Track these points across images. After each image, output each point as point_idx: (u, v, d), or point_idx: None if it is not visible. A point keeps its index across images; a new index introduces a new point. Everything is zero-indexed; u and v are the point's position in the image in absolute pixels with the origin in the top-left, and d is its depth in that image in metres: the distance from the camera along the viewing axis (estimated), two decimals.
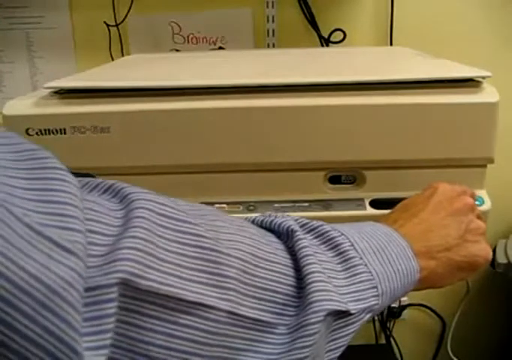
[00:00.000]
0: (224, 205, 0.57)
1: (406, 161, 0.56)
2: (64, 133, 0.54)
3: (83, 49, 1.22)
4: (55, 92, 0.56)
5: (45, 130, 0.54)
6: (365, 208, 0.57)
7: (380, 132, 0.54)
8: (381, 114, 0.53)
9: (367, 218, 0.57)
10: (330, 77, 0.54)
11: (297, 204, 0.57)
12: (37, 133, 0.54)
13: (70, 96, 0.55)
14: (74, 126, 0.54)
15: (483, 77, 0.55)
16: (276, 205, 0.57)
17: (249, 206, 0.57)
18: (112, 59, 1.19)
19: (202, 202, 0.58)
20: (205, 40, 1.19)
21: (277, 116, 0.53)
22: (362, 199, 0.57)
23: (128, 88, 0.55)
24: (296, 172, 0.57)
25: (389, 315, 1.45)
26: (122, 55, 1.20)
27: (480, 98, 0.53)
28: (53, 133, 0.54)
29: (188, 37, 1.20)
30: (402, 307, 1.44)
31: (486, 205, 0.56)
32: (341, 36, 1.16)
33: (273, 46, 1.17)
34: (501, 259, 1.19)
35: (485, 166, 0.57)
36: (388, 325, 1.46)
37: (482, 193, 0.57)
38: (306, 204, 0.57)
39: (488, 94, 0.54)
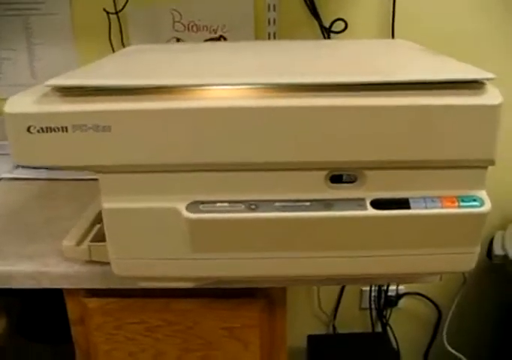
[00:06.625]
0: (226, 204, 0.57)
1: (407, 162, 0.56)
2: (66, 131, 0.54)
3: (83, 35, 1.21)
4: (57, 89, 0.56)
5: (47, 127, 0.54)
6: (366, 208, 0.57)
7: (381, 132, 0.54)
8: (382, 115, 0.53)
9: (368, 218, 0.58)
10: (330, 77, 0.54)
11: (298, 203, 0.57)
12: (38, 131, 0.54)
13: (71, 94, 0.55)
14: (76, 124, 0.54)
15: (487, 79, 0.54)
16: (277, 204, 0.57)
17: (250, 205, 0.57)
18: (112, 46, 1.18)
19: (203, 201, 0.58)
20: (205, 28, 1.18)
21: (278, 116, 0.53)
22: (363, 199, 0.58)
23: (129, 86, 0.54)
24: (298, 171, 0.57)
25: (385, 304, 1.46)
26: (122, 43, 1.19)
27: (482, 100, 0.53)
28: (55, 131, 0.54)
29: (188, 25, 1.19)
30: (399, 296, 1.45)
31: (486, 207, 0.56)
32: (343, 26, 1.15)
33: (274, 35, 1.17)
34: (498, 250, 1.20)
35: (486, 167, 0.57)
36: (385, 313, 1.48)
37: (482, 193, 0.57)
38: (307, 203, 0.57)
39: (490, 96, 0.53)
